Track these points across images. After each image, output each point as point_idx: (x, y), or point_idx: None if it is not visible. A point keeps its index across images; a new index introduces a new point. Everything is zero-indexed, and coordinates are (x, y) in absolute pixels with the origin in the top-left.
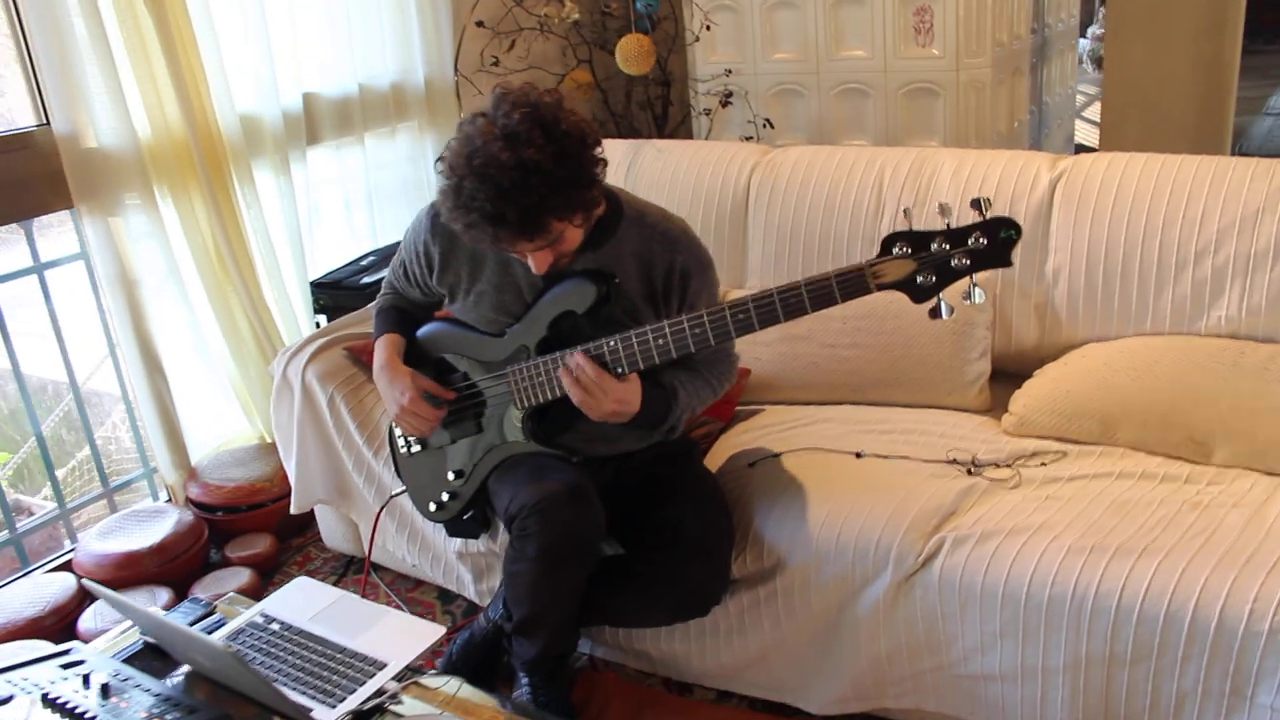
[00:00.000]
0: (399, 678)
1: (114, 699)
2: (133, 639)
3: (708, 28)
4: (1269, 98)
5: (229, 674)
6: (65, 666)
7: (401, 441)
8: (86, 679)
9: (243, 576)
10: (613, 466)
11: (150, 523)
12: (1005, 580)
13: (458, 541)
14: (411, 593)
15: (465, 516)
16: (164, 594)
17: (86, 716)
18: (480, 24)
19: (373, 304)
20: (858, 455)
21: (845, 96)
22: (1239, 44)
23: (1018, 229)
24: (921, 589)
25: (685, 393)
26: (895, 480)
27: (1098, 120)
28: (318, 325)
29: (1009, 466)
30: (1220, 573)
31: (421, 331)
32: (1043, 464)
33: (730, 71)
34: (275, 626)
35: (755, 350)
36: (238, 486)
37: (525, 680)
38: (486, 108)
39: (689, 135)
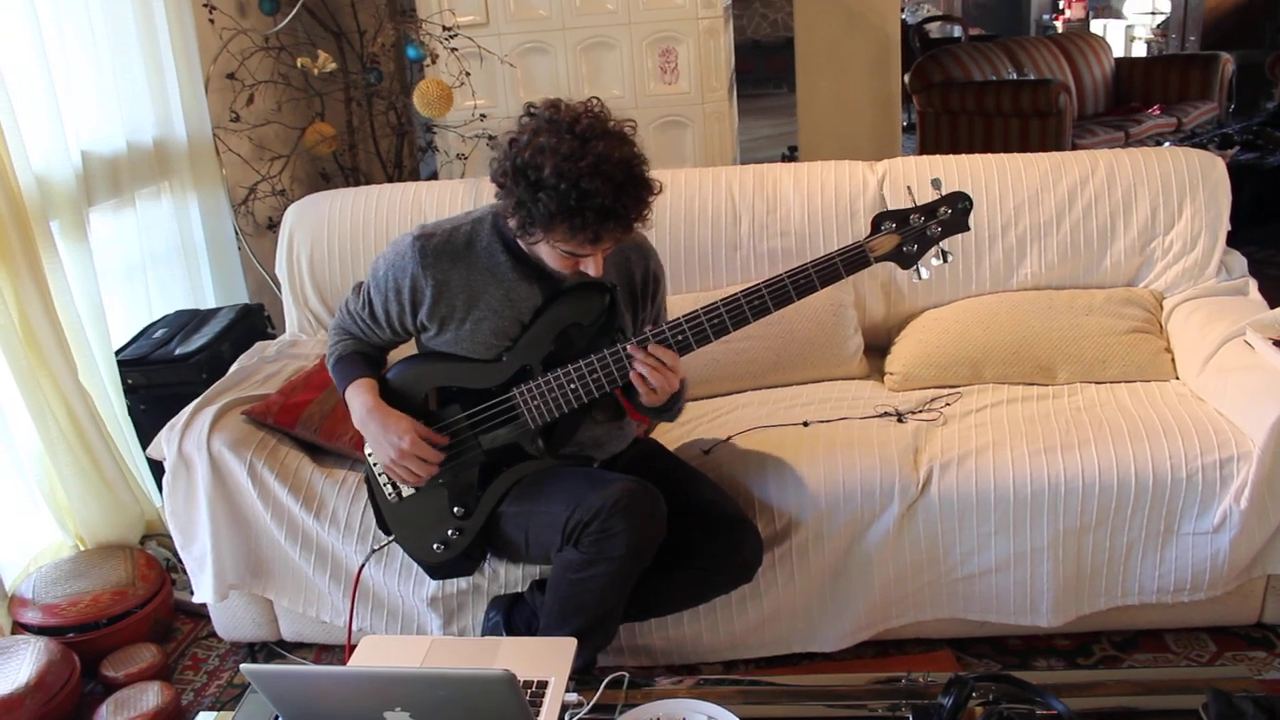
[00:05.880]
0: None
1: None
2: None
3: (468, 74)
4: None
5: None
6: None
7: (389, 489)
8: None
9: (152, 693)
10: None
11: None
12: (993, 487)
13: (433, 585)
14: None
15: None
16: None
17: None
18: (231, 76)
19: (250, 362)
20: (805, 424)
21: None
22: (899, 79)
23: (970, 200)
24: (924, 512)
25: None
26: (853, 435)
27: None
28: (130, 408)
29: (926, 410)
30: (1138, 446)
31: (395, 372)
32: (948, 404)
33: (485, 116)
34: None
35: None
36: (94, 599)
37: None
38: (539, 121)
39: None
